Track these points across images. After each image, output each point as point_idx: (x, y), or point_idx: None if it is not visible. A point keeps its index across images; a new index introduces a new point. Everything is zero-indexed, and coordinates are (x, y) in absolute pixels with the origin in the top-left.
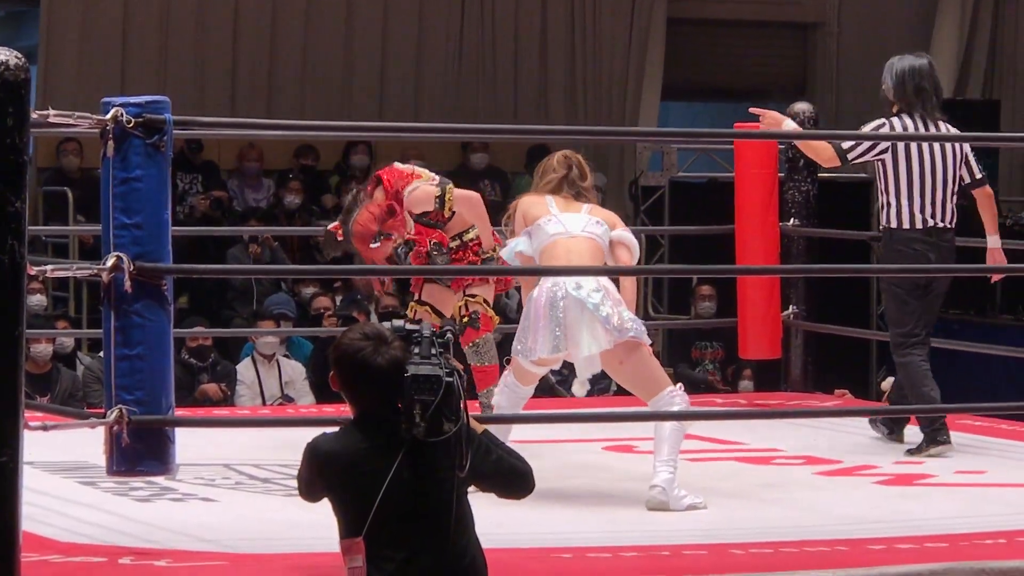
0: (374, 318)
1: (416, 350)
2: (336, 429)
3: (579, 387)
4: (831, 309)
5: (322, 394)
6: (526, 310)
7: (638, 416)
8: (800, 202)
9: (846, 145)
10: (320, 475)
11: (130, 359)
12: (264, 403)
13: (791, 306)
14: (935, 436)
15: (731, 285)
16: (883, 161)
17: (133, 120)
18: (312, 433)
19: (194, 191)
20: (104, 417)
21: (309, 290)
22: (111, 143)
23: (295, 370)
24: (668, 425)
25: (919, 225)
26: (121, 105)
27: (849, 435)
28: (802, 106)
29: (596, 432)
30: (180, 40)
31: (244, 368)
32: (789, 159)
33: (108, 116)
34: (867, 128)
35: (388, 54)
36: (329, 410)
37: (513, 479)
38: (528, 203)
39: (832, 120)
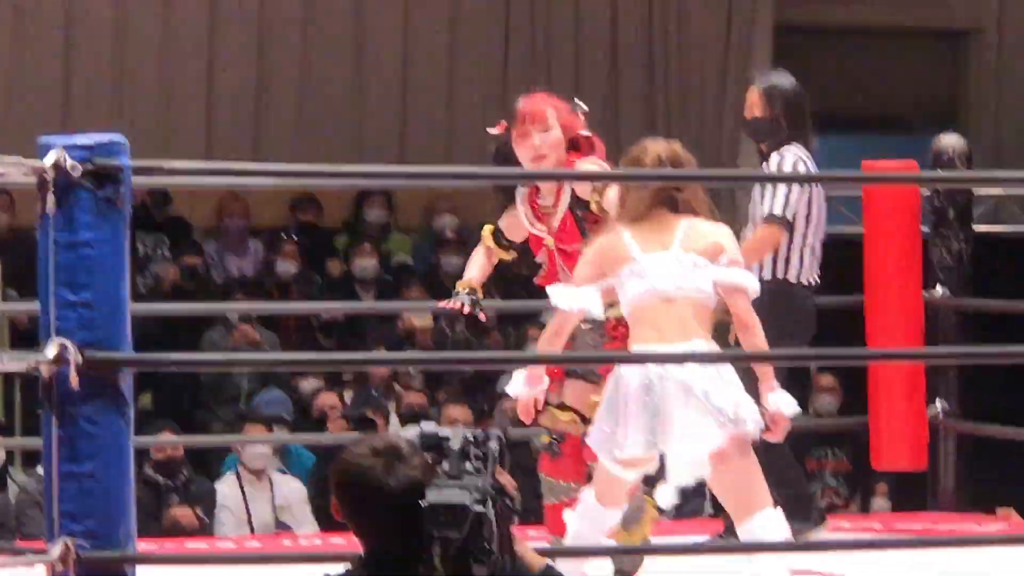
0: (394, 421)
1: (443, 467)
2: (342, 570)
3: (666, 496)
4: (991, 405)
5: (328, 520)
6: (610, 391)
7: (745, 548)
8: (950, 265)
9: (778, 208)
10: None
11: (78, 478)
12: (252, 532)
13: (939, 401)
14: None
15: (860, 374)
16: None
17: (80, 167)
18: (314, 572)
19: (160, 256)
20: (45, 553)
21: (310, 384)
22: (51, 196)
23: (292, 489)
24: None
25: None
26: (65, 147)
27: (1020, 569)
28: (951, 140)
29: (684, 567)
30: (140, 63)
31: (226, 487)
32: (935, 208)
33: (48, 161)
34: (785, 168)
35: (411, 75)
36: (337, 542)
37: None
38: (605, 244)
39: (992, 156)
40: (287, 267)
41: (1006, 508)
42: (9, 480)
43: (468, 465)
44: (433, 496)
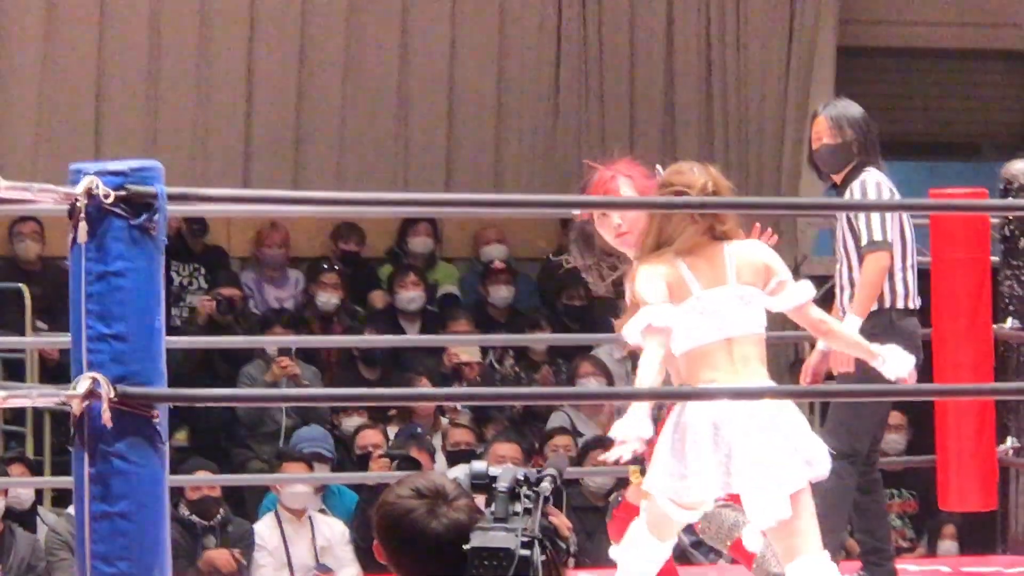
0: (440, 459)
1: (490, 509)
2: None
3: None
4: None
5: (371, 562)
6: (670, 432)
7: None
8: (1020, 296)
9: (878, 234)
10: None
11: (111, 517)
12: (292, 575)
13: (1009, 439)
14: None
15: (928, 411)
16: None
17: (113, 194)
18: None
19: (196, 288)
20: None
21: (353, 421)
22: (83, 224)
23: (334, 530)
24: None
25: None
26: (96, 173)
27: None
28: (1021, 166)
29: None
30: (175, 88)
31: (265, 528)
32: (1004, 238)
33: (79, 188)
34: (869, 193)
35: (457, 103)
36: None
37: None
38: (667, 272)
39: None
40: (328, 298)
41: None
42: (39, 520)
43: (517, 506)
44: (477, 540)
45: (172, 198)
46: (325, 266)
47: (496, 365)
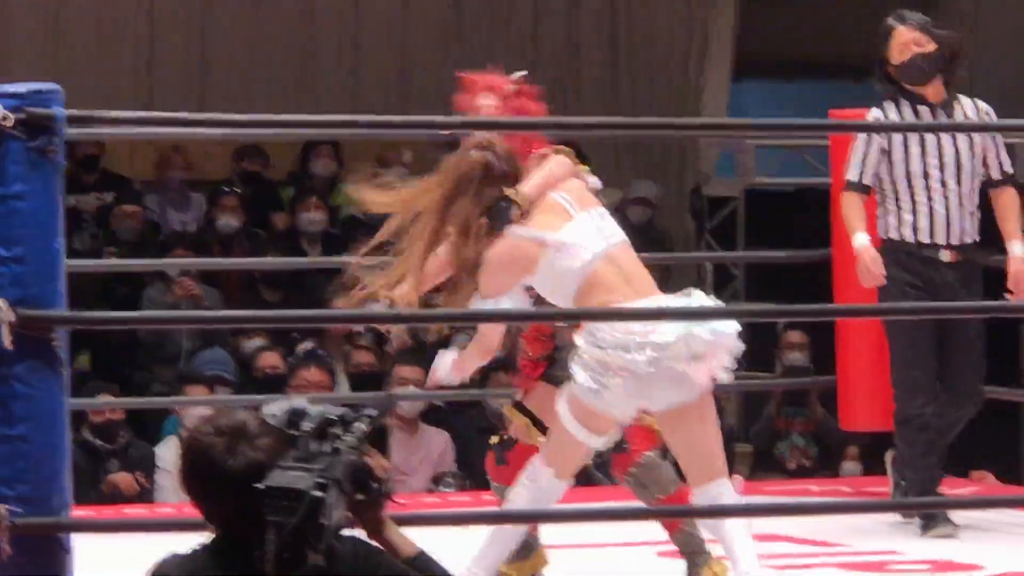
0: (343, 382)
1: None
2: (188, 550)
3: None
4: None
5: None
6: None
7: (699, 512)
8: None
9: (1008, 164)
10: None
11: (11, 441)
12: None
13: None
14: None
15: (829, 331)
16: None
17: (12, 116)
18: None
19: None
20: None
21: (252, 343)
22: None
23: None
24: (731, 524)
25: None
26: None
27: (993, 532)
28: None
29: (648, 533)
30: (77, 11)
31: (167, 451)
32: None
33: None
34: (984, 110)
35: (363, 18)
36: None
37: None
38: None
39: None
40: (228, 221)
41: (980, 471)
42: None
43: (323, 447)
44: (272, 479)
45: (72, 120)
46: (226, 189)
47: None
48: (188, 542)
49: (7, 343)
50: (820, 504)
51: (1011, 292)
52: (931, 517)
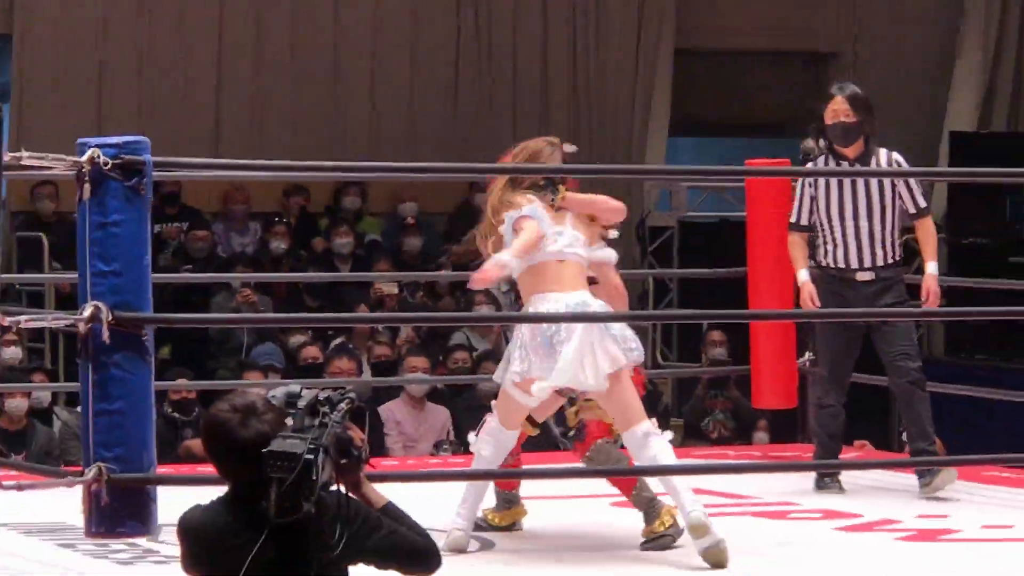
0: (366, 370)
1: (291, 423)
2: (208, 501)
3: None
4: None
5: None
6: (520, 335)
7: (644, 472)
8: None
9: (922, 200)
10: (185, 549)
11: (109, 414)
12: None
13: (807, 352)
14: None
15: (744, 331)
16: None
17: (110, 162)
18: None
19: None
20: (82, 475)
21: (297, 339)
22: (87, 186)
23: None
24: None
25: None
26: (98, 146)
27: (869, 488)
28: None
29: (604, 487)
30: (160, 76)
31: None
32: None
33: (84, 157)
34: (904, 164)
35: (380, 90)
36: None
37: (409, 556)
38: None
39: None
40: (279, 244)
41: (861, 440)
42: (54, 417)
43: (314, 421)
44: (274, 445)
45: (157, 165)
46: (277, 219)
47: (410, 298)
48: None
49: (105, 337)
50: (735, 465)
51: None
52: (823, 476)
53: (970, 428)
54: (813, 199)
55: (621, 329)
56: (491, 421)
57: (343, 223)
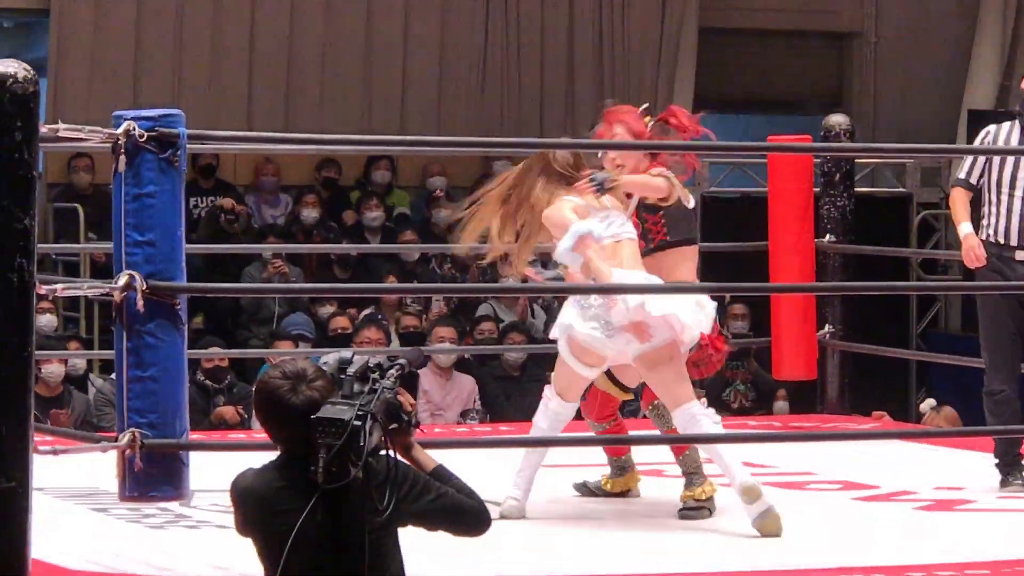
0: (395, 339)
1: (341, 389)
2: (260, 466)
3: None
4: (868, 328)
5: None
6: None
7: (667, 440)
8: (836, 218)
9: (961, 174)
10: (238, 512)
11: (143, 381)
12: None
13: (827, 325)
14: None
15: (765, 304)
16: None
17: (146, 134)
18: None
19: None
20: (116, 441)
21: (327, 310)
22: (123, 158)
23: None
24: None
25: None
26: (133, 119)
27: (887, 459)
28: (837, 119)
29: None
30: (194, 53)
31: None
32: (824, 173)
33: (120, 130)
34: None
35: (409, 66)
36: None
37: (458, 518)
38: (576, 203)
39: (869, 133)
40: (310, 214)
41: (879, 411)
42: (89, 384)
43: (362, 387)
44: (323, 412)
45: (191, 138)
46: (308, 191)
47: (437, 269)
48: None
49: (140, 306)
50: (756, 434)
51: None
52: (1007, 474)
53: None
54: (987, 161)
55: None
56: (548, 393)
57: (373, 196)
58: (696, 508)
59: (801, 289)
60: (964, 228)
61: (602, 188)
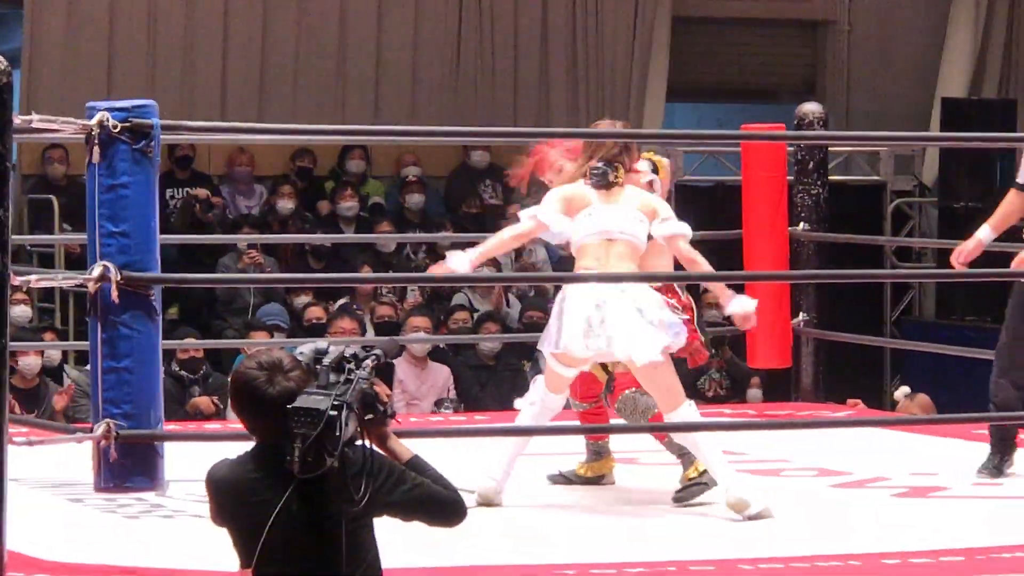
0: (370, 329)
1: (317, 380)
2: (236, 456)
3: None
4: (843, 316)
5: None
6: (560, 308)
7: (646, 428)
8: (810, 206)
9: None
10: (213, 502)
11: (117, 371)
12: None
13: (801, 313)
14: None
15: (739, 292)
16: None
17: (119, 125)
18: None
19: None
20: (91, 432)
21: (302, 300)
22: (96, 149)
23: None
24: (701, 442)
25: None
26: (107, 109)
27: (861, 446)
28: (811, 107)
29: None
30: (168, 44)
31: None
32: (798, 161)
33: (93, 121)
34: None
35: (383, 55)
36: None
37: (433, 508)
38: (571, 191)
39: (843, 122)
40: (284, 204)
41: (854, 399)
42: (64, 375)
43: (338, 378)
44: (299, 402)
45: (164, 128)
46: (283, 181)
47: (412, 257)
48: (244, 449)
49: (114, 297)
50: (731, 423)
51: None
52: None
53: (960, 388)
54: None
55: (659, 313)
56: (539, 383)
57: (347, 186)
58: (691, 486)
59: (775, 277)
60: (981, 231)
61: (604, 181)
